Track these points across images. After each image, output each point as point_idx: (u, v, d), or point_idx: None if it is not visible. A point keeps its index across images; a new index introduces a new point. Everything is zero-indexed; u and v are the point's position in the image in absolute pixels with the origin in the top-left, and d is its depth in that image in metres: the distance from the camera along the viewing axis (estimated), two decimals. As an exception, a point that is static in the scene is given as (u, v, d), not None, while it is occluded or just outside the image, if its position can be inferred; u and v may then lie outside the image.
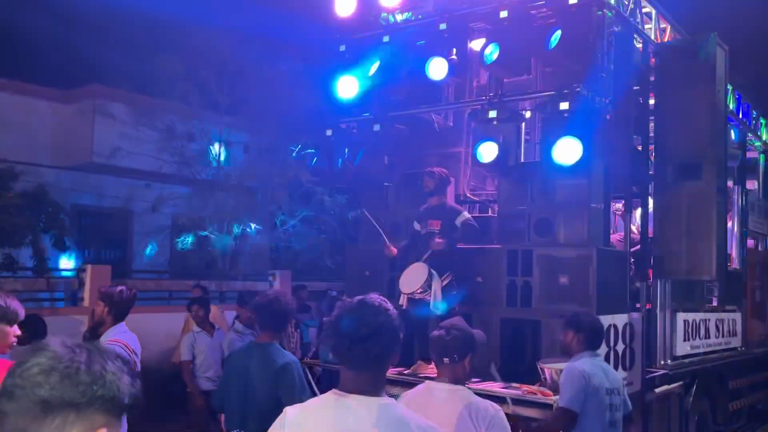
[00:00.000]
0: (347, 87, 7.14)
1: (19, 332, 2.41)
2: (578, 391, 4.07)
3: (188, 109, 14.18)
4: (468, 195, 7.63)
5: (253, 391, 3.88)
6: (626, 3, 6.54)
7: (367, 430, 2.02)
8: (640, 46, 6.88)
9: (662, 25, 7.26)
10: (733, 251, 8.90)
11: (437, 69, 6.56)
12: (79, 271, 11.58)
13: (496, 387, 5.41)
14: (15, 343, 2.68)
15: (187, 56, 13.49)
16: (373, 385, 2.09)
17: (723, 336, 8.15)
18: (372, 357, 2.05)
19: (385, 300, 2.16)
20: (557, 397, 5.10)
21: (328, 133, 7.42)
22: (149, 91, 14.80)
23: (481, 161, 6.45)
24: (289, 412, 2.14)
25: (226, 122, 14.01)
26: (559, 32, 5.95)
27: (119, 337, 4.29)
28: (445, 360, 3.11)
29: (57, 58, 15.39)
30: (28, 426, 1.04)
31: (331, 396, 2.11)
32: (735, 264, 8.87)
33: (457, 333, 3.16)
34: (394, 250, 6.42)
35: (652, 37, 7.04)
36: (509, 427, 3.03)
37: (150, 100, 15.07)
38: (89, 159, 15.81)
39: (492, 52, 6.40)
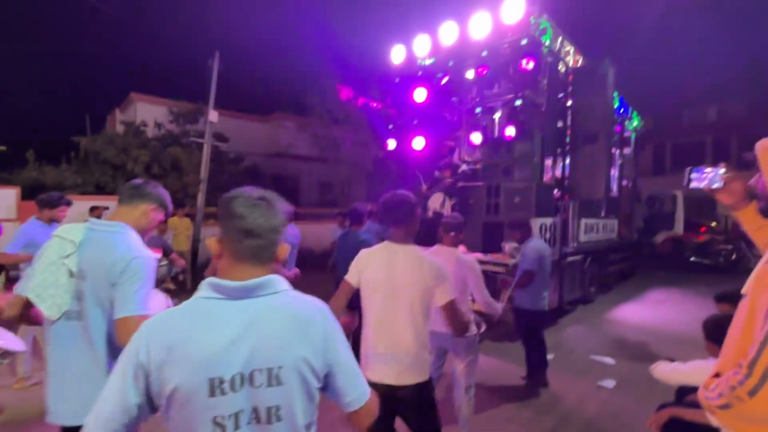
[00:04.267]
0: (399, 100, 6.85)
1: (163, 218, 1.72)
2: (535, 259, 3.77)
3: (322, 122, 14.08)
4: (465, 157, 7.21)
5: (345, 254, 3.70)
6: (555, 44, 5.83)
7: (404, 260, 1.88)
8: (563, 69, 6.16)
9: (576, 57, 6.45)
10: (614, 186, 8.20)
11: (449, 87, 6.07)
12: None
13: (479, 255, 5.17)
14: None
15: (322, 93, 13.24)
16: (405, 238, 1.94)
17: (607, 232, 7.56)
18: (401, 216, 1.90)
19: (409, 193, 1.98)
20: (511, 260, 4.86)
21: (390, 126, 7.11)
22: (304, 113, 14.77)
23: (474, 142, 6.08)
24: (362, 252, 2.01)
25: (341, 129, 13.92)
26: (516, 62, 5.37)
27: (290, 230, 4.25)
28: (452, 234, 2.89)
29: (258, 97, 15.51)
30: None
31: (384, 244, 1.97)
32: (614, 193, 8.17)
33: (455, 220, 2.93)
34: (425, 187, 6.19)
35: (570, 64, 6.28)
36: (479, 270, 2.77)
37: (305, 119, 15.08)
38: (276, 150, 16.08)
39: (477, 76, 5.89)
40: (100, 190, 9.53)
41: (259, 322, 0.87)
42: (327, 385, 0.97)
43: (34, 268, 1.49)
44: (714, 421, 1.90)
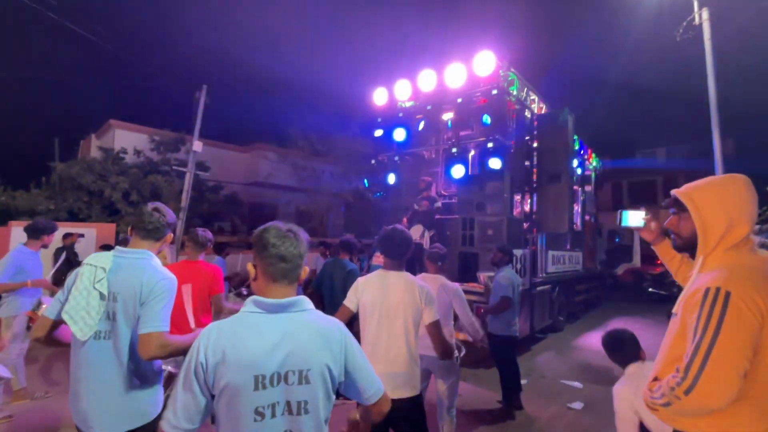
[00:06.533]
0: (381, 138, 7.26)
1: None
2: (509, 286, 4.04)
3: (303, 154, 14.36)
4: (442, 192, 7.63)
5: (332, 280, 3.92)
6: (522, 94, 6.51)
7: (397, 285, 2.10)
8: (529, 115, 6.82)
9: (540, 105, 7.17)
10: (578, 221, 8.80)
11: (427, 129, 6.57)
12: (252, 232, 11.81)
13: (456, 284, 5.42)
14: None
15: (302, 126, 13.62)
16: (399, 267, 2.16)
17: (572, 263, 8.03)
18: (402, 251, 2.13)
19: (405, 227, 2.25)
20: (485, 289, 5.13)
21: (372, 162, 7.48)
22: (285, 144, 15.02)
23: (453, 177, 6.46)
24: (359, 280, 2.21)
25: (322, 160, 14.24)
26: (487, 108, 5.96)
27: None
28: (438, 264, 3.15)
29: (239, 128, 15.68)
30: None
31: (379, 272, 2.17)
32: (579, 227, 8.76)
33: (439, 250, 3.20)
34: (405, 221, 6.48)
35: (535, 111, 6.97)
36: (464, 296, 3.06)
37: (286, 150, 15.34)
38: (256, 179, 16.13)
39: (453, 119, 6.45)
40: (73, 216, 9.26)
41: (292, 333, 1.06)
42: (349, 386, 1.16)
43: (71, 292, 1.60)
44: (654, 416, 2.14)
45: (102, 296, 1.58)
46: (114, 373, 1.56)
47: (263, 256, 1.12)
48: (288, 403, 1.03)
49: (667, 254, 1.62)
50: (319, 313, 1.18)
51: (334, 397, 1.13)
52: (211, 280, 2.83)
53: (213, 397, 1.04)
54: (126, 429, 1.55)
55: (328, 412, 1.11)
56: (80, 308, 1.56)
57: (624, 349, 2.04)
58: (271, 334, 1.05)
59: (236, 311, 2.90)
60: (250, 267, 1.16)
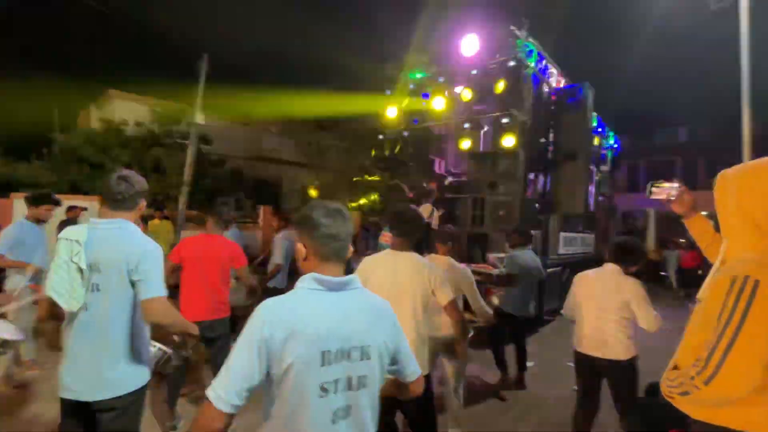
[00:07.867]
0: (391, 113, 7.07)
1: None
2: (515, 265, 4.08)
3: (308, 128, 14.16)
4: (451, 170, 7.49)
5: None
6: (540, 66, 6.24)
7: (406, 266, 2.07)
8: (547, 89, 6.56)
9: (559, 78, 6.88)
10: (592, 202, 8.65)
11: (438, 102, 6.35)
12: (257, 207, 11.81)
13: (463, 264, 5.40)
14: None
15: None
16: (408, 247, 2.13)
17: (584, 245, 7.96)
18: (406, 229, 2.09)
19: (416, 208, 2.20)
20: (495, 270, 5.11)
21: (380, 137, 7.33)
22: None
23: (462, 148, 6.33)
24: (367, 259, 2.18)
25: (327, 135, 14.05)
26: (503, 81, 5.72)
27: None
28: (449, 244, 3.09)
29: (243, 100, 15.33)
30: None
31: (388, 251, 2.15)
32: (592, 209, 8.62)
33: (450, 231, 3.14)
34: (410, 195, 6.40)
35: (554, 85, 6.69)
36: (473, 278, 3.01)
37: (290, 124, 15.14)
38: (261, 153, 16.02)
39: (466, 93, 6.22)
40: (76, 189, 9.28)
41: (352, 310, 1.09)
42: (394, 362, 1.20)
43: (50, 269, 1.60)
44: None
45: (80, 269, 1.57)
46: (95, 342, 1.59)
47: (314, 236, 1.11)
48: (349, 379, 1.06)
49: (697, 229, 1.57)
50: (369, 291, 1.21)
51: (386, 371, 1.16)
52: (233, 254, 3.03)
53: (267, 375, 1.01)
54: (106, 397, 1.58)
55: (380, 385, 1.15)
56: (64, 282, 1.56)
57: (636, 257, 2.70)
58: (334, 311, 1.06)
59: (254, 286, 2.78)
60: (300, 246, 1.14)
